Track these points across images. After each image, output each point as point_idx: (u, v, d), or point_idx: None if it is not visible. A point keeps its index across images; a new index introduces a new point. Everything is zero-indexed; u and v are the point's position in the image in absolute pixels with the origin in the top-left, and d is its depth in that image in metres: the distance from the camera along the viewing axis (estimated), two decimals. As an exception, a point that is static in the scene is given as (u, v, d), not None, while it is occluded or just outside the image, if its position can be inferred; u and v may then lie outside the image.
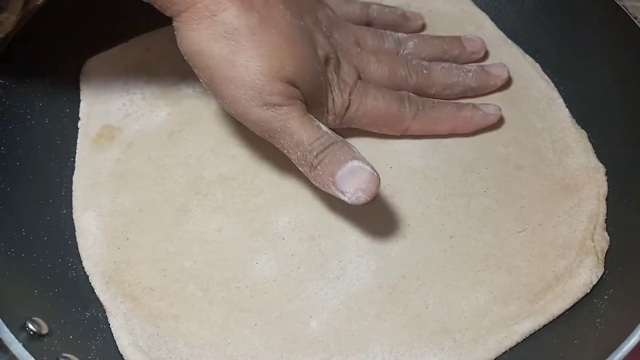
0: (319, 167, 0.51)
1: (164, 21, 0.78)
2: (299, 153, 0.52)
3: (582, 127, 0.66)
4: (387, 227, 0.60)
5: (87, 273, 0.59)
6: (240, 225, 0.61)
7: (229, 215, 0.61)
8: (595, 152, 0.64)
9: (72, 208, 0.63)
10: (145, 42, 0.78)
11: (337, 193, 0.52)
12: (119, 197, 0.64)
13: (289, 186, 0.63)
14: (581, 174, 0.62)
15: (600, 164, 0.62)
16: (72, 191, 0.65)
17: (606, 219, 0.58)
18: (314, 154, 0.51)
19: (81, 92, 0.72)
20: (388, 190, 0.62)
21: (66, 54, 0.72)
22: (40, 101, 0.68)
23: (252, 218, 0.61)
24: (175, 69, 0.75)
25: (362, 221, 0.60)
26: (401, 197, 0.62)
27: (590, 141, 0.65)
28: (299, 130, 0.51)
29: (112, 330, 0.55)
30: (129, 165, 0.66)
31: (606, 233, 0.57)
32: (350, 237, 0.59)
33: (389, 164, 0.64)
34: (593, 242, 0.56)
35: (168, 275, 0.58)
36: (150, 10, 0.79)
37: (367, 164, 0.50)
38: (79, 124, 0.70)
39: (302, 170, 0.54)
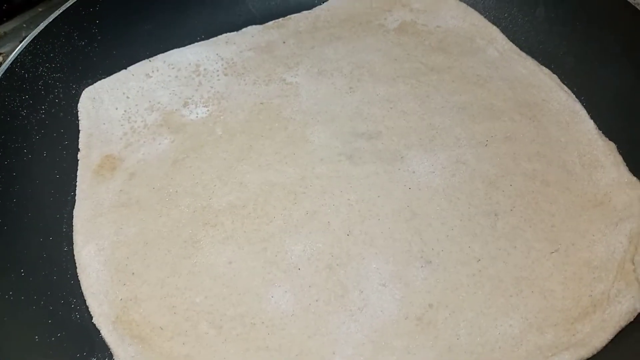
0: None
1: (164, 47, 0.77)
2: None
3: (609, 139, 0.63)
4: (410, 253, 0.56)
5: (92, 313, 0.54)
6: (253, 256, 0.57)
7: (240, 245, 0.58)
8: (627, 165, 0.60)
9: (73, 244, 0.60)
10: (145, 68, 0.75)
11: None
12: (123, 229, 0.60)
13: (302, 212, 0.59)
14: (614, 189, 0.58)
15: (635, 179, 0.58)
16: (72, 226, 0.61)
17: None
18: None
19: (80, 122, 0.69)
20: (408, 213, 0.59)
21: (63, 83, 0.70)
22: (38, 134, 0.65)
23: (264, 248, 0.57)
24: (177, 95, 0.72)
25: (383, 247, 0.57)
26: (422, 219, 0.58)
27: (619, 153, 0.61)
28: None
29: (118, 376, 0.50)
30: (132, 196, 0.63)
31: None
32: (371, 264, 0.56)
33: (407, 184, 0.61)
34: (633, 264, 0.52)
35: (178, 312, 0.54)
36: (148, 37, 0.78)
37: None
38: (79, 155, 0.67)
39: None
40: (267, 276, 0.55)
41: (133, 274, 0.57)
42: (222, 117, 0.69)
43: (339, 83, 0.72)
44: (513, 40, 0.74)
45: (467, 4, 0.78)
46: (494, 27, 0.76)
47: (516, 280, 0.54)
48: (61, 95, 0.69)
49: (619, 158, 0.61)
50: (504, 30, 0.75)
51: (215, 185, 0.63)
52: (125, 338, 0.52)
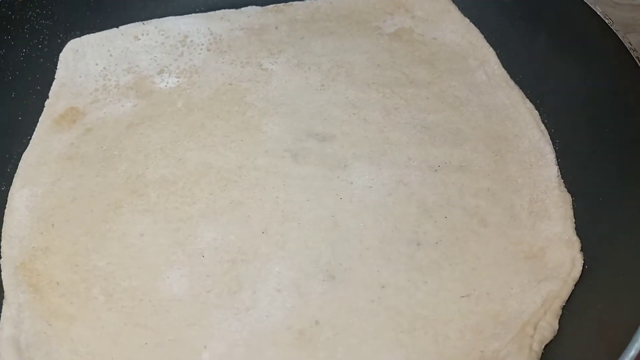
0: None
1: (160, 14, 0.78)
2: None
3: (568, 191, 0.57)
4: (317, 264, 0.54)
5: (1, 254, 0.56)
6: (164, 233, 0.57)
7: (156, 220, 0.58)
8: (577, 222, 0.55)
9: (11, 185, 0.62)
10: (135, 30, 0.76)
11: None
12: (60, 181, 0.62)
13: (227, 200, 0.59)
14: (552, 245, 0.53)
15: (576, 238, 0.53)
16: (17, 168, 0.63)
17: (564, 305, 0.49)
18: None
19: (57, 71, 0.71)
20: (329, 223, 0.56)
21: (50, 31, 0.72)
22: (12, 74, 0.67)
23: (178, 228, 0.57)
24: (156, 62, 0.73)
25: (293, 253, 0.55)
26: (341, 233, 0.56)
27: (573, 207, 0.56)
28: None
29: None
30: (80, 151, 0.64)
31: (557, 322, 0.48)
32: (274, 267, 0.54)
33: (339, 194, 0.58)
34: (534, 330, 0.47)
35: (78, 272, 0.55)
36: (147, 0, 0.78)
37: None
38: (46, 102, 0.69)
39: None
40: (170, 256, 0.55)
41: (53, 225, 0.58)
42: (188, 91, 0.69)
43: (312, 79, 0.70)
44: (507, 67, 0.69)
45: (472, 21, 0.74)
46: (491, 50, 0.71)
47: (414, 316, 0.50)
48: (45, 42, 0.71)
49: (570, 213, 0.55)
50: (502, 55, 0.70)
51: (156, 157, 0.63)
52: (21, 284, 0.54)
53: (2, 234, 0.58)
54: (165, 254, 0.55)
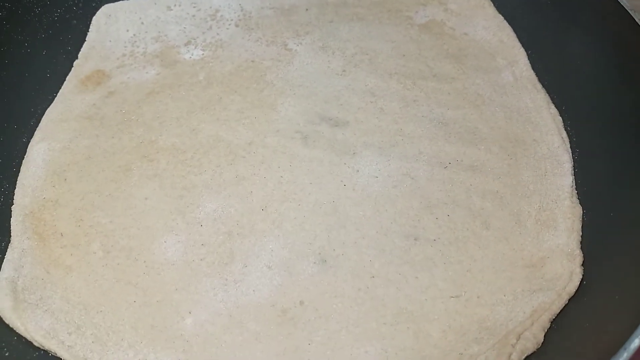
0: None
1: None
2: None
3: (580, 203, 0.55)
4: (310, 246, 0.54)
5: (14, 201, 0.59)
6: (167, 200, 0.58)
7: (162, 186, 0.59)
8: (583, 236, 0.53)
9: (32, 138, 0.64)
10: (169, 0, 0.77)
11: None
12: (77, 139, 0.63)
13: (232, 174, 0.59)
14: (553, 256, 0.51)
15: (579, 252, 0.51)
16: (39, 123, 0.65)
17: (554, 319, 0.47)
18: None
19: (89, 34, 0.73)
20: (329, 208, 0.56)
21: (86, -7, 0.74)
22: (45, 33, 0.70)
23: (181, 195, 0.58)
24: (185, 33, 0.74)
25: (288, 232, 0.55)
26: (339, 219, 0.55)
27: (583, 221, 0.54)
28: None
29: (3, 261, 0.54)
30: (100, 112, 0.66)
31: (542, 335, 0.46)
32: (268, 244, 0.54)
33: (343, 180, 0.58)
34: (517, 340, 0.45)
35: (82, 226, 0.57)
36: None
37: None
38: (75, 62, 0.71)
39: None
40: (170, 222, 0.56)
41: (65, 179, 0.60)
42: (210, 64, 0.70)
43: (335, 63, 0.69)
44: (537, 69, 0.66)
45: (506, 19, 0.71)
46: (522, 50, 0.68)
47: (399, 310, 0.50)
48: (80, 5, 0.74)
49: (577, 226, 0.53)
50: (532, 55, 0.67)
51: (170, 125, 0.64)
52: (27, 231, 0.56)
53: (17, 183, 0.60)
54: (165, 220, 0.56)
